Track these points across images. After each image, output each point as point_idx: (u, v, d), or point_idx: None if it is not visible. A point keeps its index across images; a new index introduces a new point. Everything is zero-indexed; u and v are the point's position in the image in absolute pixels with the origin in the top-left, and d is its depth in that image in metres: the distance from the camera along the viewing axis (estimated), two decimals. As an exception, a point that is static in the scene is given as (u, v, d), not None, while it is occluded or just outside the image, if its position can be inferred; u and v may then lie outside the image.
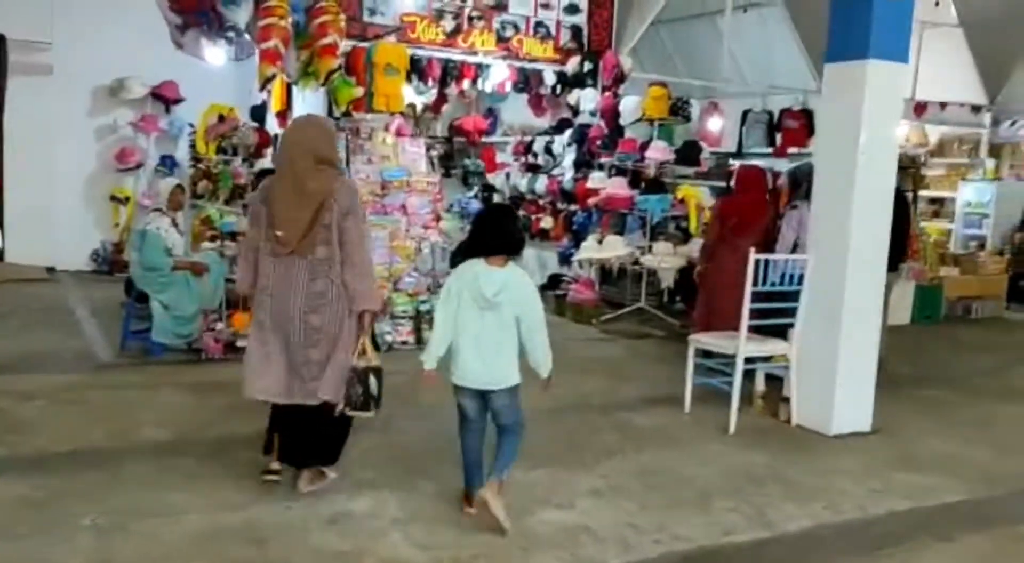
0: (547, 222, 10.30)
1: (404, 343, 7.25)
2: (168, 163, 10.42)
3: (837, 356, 5.14)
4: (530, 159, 10.58)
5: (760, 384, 5.67)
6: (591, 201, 8.66)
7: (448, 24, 8.82)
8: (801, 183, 6.30)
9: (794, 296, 5.29)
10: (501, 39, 9.08)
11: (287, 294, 3.74)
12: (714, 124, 10.10)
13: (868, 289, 5.17)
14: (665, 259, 7.98)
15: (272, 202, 3.76)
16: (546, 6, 9.36)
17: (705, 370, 5.63)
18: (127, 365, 6.32)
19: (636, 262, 8.25)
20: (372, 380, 3.77)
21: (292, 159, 3.76)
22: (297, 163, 3.72)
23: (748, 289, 5.11)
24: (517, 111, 10.82)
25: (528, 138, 10.66)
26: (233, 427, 4.93)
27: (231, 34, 6.56)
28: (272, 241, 3.74)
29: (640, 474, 4.46)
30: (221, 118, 6.93)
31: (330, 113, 8.38)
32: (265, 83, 6.54)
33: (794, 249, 6.28)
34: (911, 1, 5.10)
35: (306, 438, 3.92)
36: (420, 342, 7.27)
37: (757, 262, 5.12)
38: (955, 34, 11.92)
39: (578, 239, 9.36)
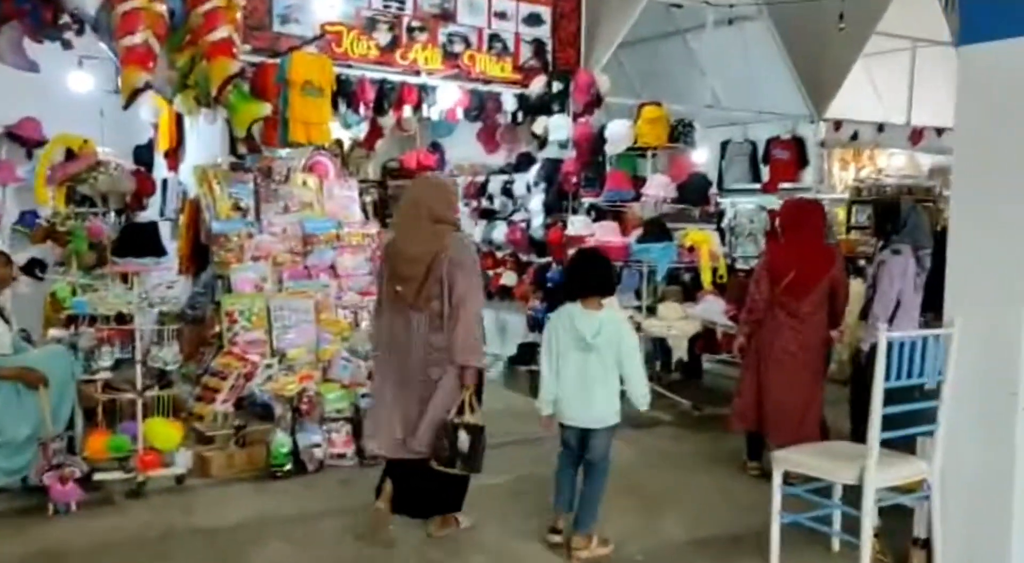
0: (509, 278, 8.49)
1: (340, 456, 5.25)
2: (29, 220, 8.19)
3: (1012, 478, 3.39)
4: (484, 203, 8.80)
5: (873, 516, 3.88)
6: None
7: (383, 37, 7.01)
8: (898, 219, 4.68)
9: (924, 389, 3.56)
10: (449, 55, 7.31)
11: (407, 348, 3.81)
12: (699, 155, 8.46)
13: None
14: (675, 324, 6.22)
15: (391, 258, 3.92)
16: (502, 16, 7.65)
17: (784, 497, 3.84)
18: (-82, 527, 4.20)
19: (636, 328, 6.45)
20: (462, 436, 3.75)
21: (409, 217, 3.88)
22: (414, 220, 3.83)
23: (879, 384, 3.34)
24: (465, 146, 9.04)
25: (481, 178, 8.88)
26: None
27: (70, 33, 4.60)
28: (392, 296, 3.87)
29: None
30: (70, 155, 4.94)
31: (233, 149, 6.46)
32: (132, 97, 4.56)
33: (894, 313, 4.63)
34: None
35: (424, 490, 3.92)
36: (363, 453, 5.30)
37: (891, 345, 3.35)
38: (949, 53, 10.66)
39: (552, 299, 7.55)
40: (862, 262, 9.81)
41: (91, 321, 4.99)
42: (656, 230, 6.43)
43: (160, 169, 7.66)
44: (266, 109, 5.27)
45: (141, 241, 4.50)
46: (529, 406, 6.65)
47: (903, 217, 4.80)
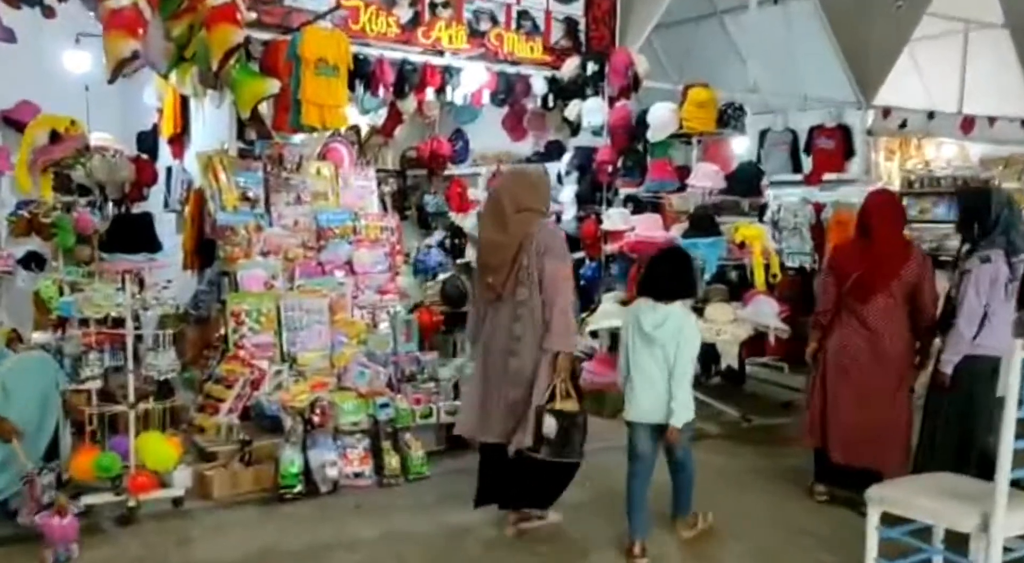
0: (536, 275, 7.92)
1: (358, 475, 4.70)
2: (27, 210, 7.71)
3: None
4: (510, 194, 8.24)
5: None
6: (613, 246, 6.30)
7: (403, 13, 6.45)
8: (988, 217, 4.06)
9: None
10: (475, 34, 6.74)
11: (494, 337, 3.88)
12: (739, 144, 7.84)
13: None
14: (725, 328, 5.64)
15: (480, 249, 4.06)
16: (532, -9, 7.08)
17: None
18: None
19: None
20: (548, 421, 3.71)
21: (492, 208, 3.96)
22: (497, 211, 3.88)
23: (1012, 412, 2.76)
24: (489, 134, 8.48)
25: (507, 167, 8.30)
26: None
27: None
28: (483, 287, 3.92)
29: None
30: (55, 137, 4.41)
31: (240, 133, 5.96)
32: (117, 69, 4.02)
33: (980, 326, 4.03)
34: None
35: (514, 479, 3.91)
36: (382, 471, 4.77)
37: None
38: (1003, 36, 10.01)
39: (585, 298, 7.00)
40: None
41: (83, 323, 4.49)
42: (704, 224, 5.84)
43: (165, 157, 7.18)
44: (273, 86, 4.73)
45: (132, 235, 3.96)
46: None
47: (994, 214, 4.16)
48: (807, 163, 9.35)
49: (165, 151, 7.12)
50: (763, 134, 9.51)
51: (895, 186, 10.14)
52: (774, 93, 9.03)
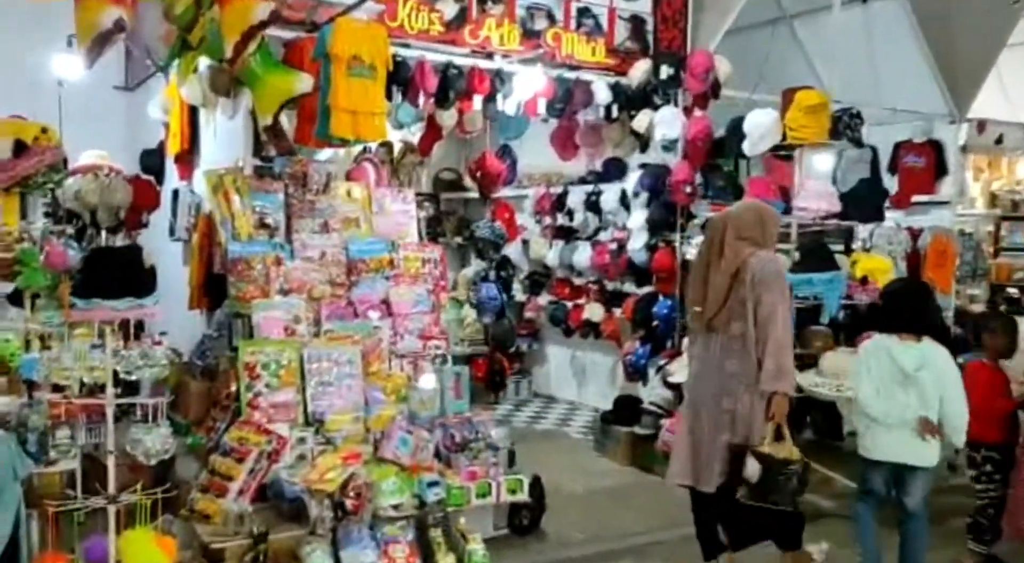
0: (594, 312, 6.96)
1: (401, 578, 3.69)
2: (20, 237, 6.81)
3: None
4: (562, 220, 7.28)
5: None
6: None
7: (448, 8, 5.54)
8: None
9: None
10: (529, 33, 5.82)
11: (704, 373, 3.69)
12: (822, 160, 6.85)
13: None
14: (847, 382, 4.60)
15: (692, 278, 3.86)
16: (593, -13, 6.16)
17: None
18: None
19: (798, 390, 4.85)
20: (751, 464, 3.43)
21: (714, 234, 3.73)
22: (716, 237, 3.70)
23: None
24: (533, 151, 7.52)
25: (558, 189, 7.35)
26: None
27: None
28: (694, 317, 3.76)
29: None
30: (20, 148, 3.44)
31: (257, 149, 5.01)
32: (96, 45, 3.06)
33: None
34: None
35: (748, 521, 3.65)
36: (432, 570, 3.75)
37: None
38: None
39: (657, 341, 6.00)
40: (1014, 292, 8.22)
41: (58, 387, 3.54)
42: (820, 255, 4.83)
43: (172, 178, 6.27)
44: (305, 82, 3.78)
45: (114, 273, 3.01)
46: (638, 483, 5.47)
47: None
48: (893, 183, 8.37)
49: (172, 171, 6.22)
50: (840, 151, 8.53)
51: (980, 208, 9.15)
52: (854, 104, 8.04)
